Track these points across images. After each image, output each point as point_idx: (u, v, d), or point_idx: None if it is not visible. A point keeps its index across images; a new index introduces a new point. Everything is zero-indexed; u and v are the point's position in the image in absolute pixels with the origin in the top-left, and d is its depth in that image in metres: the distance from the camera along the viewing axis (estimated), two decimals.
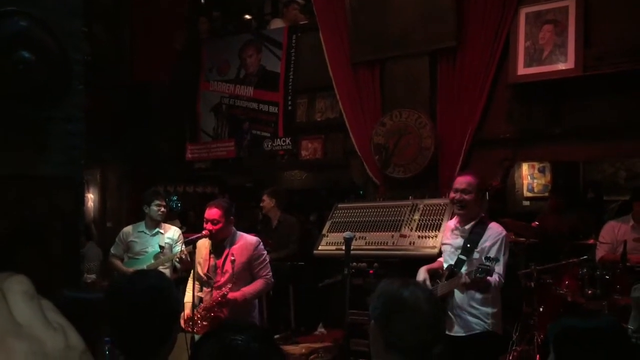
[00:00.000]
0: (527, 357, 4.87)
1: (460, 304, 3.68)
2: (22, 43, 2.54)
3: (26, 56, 2.50)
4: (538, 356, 4.70)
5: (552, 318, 4.69)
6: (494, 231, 3.69)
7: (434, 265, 3.98)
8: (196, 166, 7.98)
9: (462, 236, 3.79)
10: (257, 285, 4.27)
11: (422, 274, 3.83)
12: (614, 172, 8.71)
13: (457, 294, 3.67)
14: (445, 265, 3.86)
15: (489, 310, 3.65)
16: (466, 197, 3.74)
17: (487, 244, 3.63)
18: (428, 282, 3.78)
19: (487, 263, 3.30)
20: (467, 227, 3.77)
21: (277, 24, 7.54)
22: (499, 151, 5.55)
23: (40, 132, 2.70)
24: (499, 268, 3.56)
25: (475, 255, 3.61)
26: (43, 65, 2.56)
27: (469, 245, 3.69)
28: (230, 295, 4.12)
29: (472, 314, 3.66)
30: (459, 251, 3.73)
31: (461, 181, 3.80)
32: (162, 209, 5.31)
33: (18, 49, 2.52)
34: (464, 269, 3.60)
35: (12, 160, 2.53)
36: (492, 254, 3.51)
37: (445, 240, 3.99)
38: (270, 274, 4.39)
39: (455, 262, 3.72)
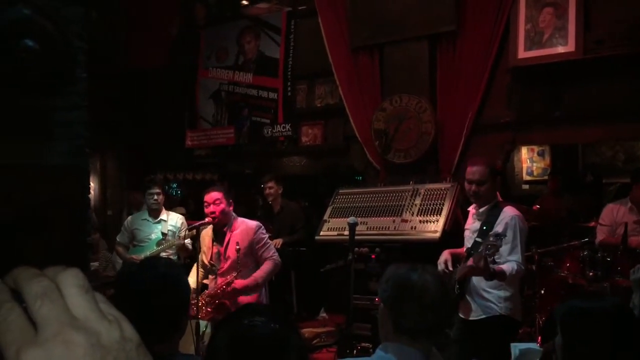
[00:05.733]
0: (528, 339, 4.91)
1: (475, 288, 3.66)
2: (25, 31, 2.52)
3: (30, 44, 2.48)
4: (539, 338, 4.74)
5: (553, 300, 4.74)
6: (507, 215, 3.63)
7: (458, 250, 3.93)
8: (196, 153, 7.97)
9: (478, 219, 3.76)
10: (266, 267, 4.27)
11: (444, 256, 3.78)
12: (612, 155, 8.73)
13: (474, 278, 3.64)
14: (465, 250, 3.84)
15: (501, 293, 3.60)
16: (481, 188, 3.67)
17: (499, 228, 3.55)
18: (450, 264, 3.73)
19: (495, 241, 3.23)
20: (482, 210, 3.74)
21: (263, 5, 7.54)
22: (499, 135, 5.55)
23: (44, 122, 2.69)
24: (516, 256, 3.51)
25: (490, 238, 3.47)
26: (47, 54, 2.54)
27: (485, 228, 3.64)
28: (239, 283, 4.11)
29: (485, 297, 3.63)
30: (476, 234, 3.70)
31: (473, 171, 3.69)
32: (155, 197, 5.33)
33: (22, 38, 2.51)
34: (479, 251, 3.51)
35: (16, 150, 2.53)
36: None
37: (466, 226, 3.94)
38: (277, 254, 4.40)
39: (472, 245, 3.69)
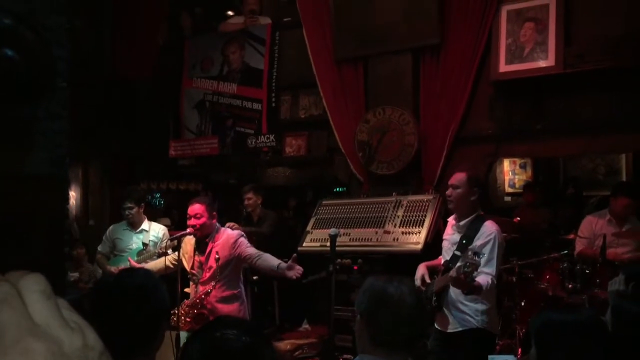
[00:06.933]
0: (509, 351, 4.94)
1: (452, 301, 3.66)
2: (5, 41, 2.50)
3: (9, 54, 2.47)
4: (520, 349, 4.77)
5: (533, 312, 4.77)
6: (487, 229, 3.65)
7: (434, 262, 3.95)
8: (179, 163, 7.94)
9: (458, 232, 3.77)
10: (269, 257, 4.21)
11: (420, 270, 3.82)
12: (593, 167, 8.85)
13: (451, 290, 3.64)
14: (442, 261, 3.84)
15: (478, 307, 3.61)
16: (454, 192, 3.75)
17: (479, 242, 3.58)
18: (427, 278, 3.78)
19: (474, 258, 3.23)
20: (462, 223, 3.75)
21: (236, 20, 7.60)
22: (481, 147, 5.60)
23: (23, 131, 2.67)
24: (491, 269, 3.53)
25: (469, 252, 3.47)
26: (27, 63, 2.53)
27: (464, 242, 3.65)
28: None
29: (462, 310, 3.64)
30: (455, 247, 3.71)
31: (452, 177, 3.83)
32: (127, 212, 5.33)
33: (1, 47, 2.49)
34: (458, 265, 3.50)
35: None
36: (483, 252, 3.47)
37: (445, 236, 3.96)
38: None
39: (451, 258, 3.70)
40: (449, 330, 3.68)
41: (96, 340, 0.48)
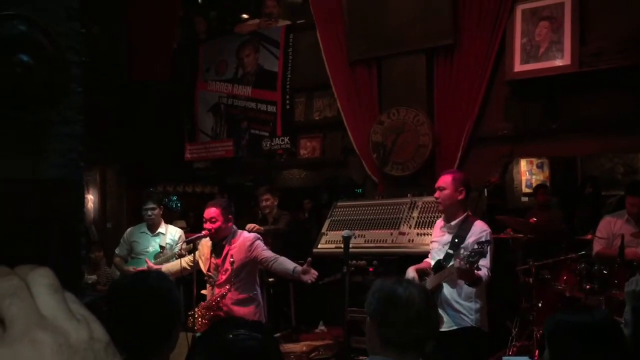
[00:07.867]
0: (526, 352, 4.90)
1: (447, 299, 3.72)
2: (20, 46, 2.55)
3: (25, 59, 2.51)
4: (537, 351, 4.73)
5: (550, 313, 4.70)
6: (478, 228, 3.77)
7: (422, 265, 4.01)
8: (195, 166, 8.00)
9: (449, 232, 3.86)
10: (285, 260, 4.24)
11: (410, 273, 3.86)
12: (611, 167, 8.75)
13: (445, 289, 3.72)
14: (432, 263, 3.90)
15: (472, 305, 3.70)
16: (441, 194, 3.86)
17: (471, 239, 3.67)
18: (417, 279, 3.82)
19: (479, 247, 3.30)
20: (453, 223, 3.85)
21: (254, 21, 7.63)
22: (496, 148, 5.57)
23: (38, 135, 2.71)
24: (486, 262, 3.58)
25: (462, 251, 3.57)
26: (41, 68, 2.57)
27: (456, 240, 3.75)
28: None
29: (456, 309, 3.70)
30: (447, 246, 3.80)
31: (440, 179, 3.94)
32: (150, 212, 5.36)
33: (17, 53, 2.54)
34: (451, 263, 3.60)
35: (10, 164, 2.55)
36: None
37: (434, 238, 4.07)
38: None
39: (444, 257, 3.77)
40: (443, 329, 3.71)
41: (102, 333, 0.49)
